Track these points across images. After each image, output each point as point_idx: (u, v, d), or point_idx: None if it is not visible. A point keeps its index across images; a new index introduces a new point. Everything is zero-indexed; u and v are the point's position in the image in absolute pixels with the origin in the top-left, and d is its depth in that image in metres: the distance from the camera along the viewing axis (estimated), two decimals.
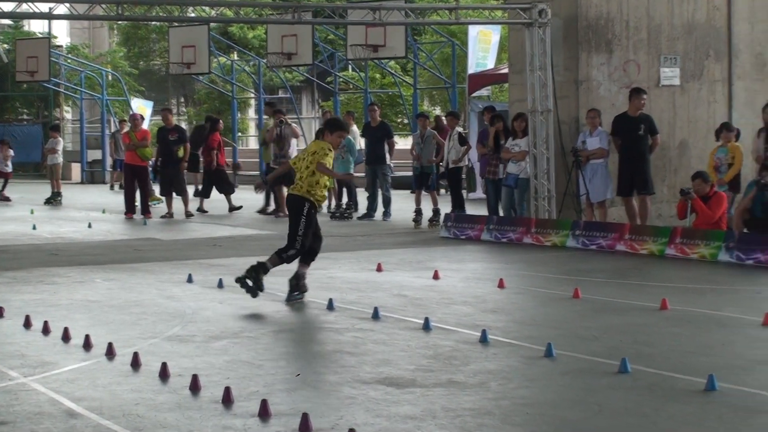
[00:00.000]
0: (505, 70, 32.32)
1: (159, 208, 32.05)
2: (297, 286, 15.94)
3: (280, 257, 15.93)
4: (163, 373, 10.98)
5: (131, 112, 42.48)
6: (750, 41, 26.45)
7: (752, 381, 10.70)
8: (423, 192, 28.50)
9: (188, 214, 30.90)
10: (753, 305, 15.34)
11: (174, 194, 31.29)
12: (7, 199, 39.12)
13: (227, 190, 33.07)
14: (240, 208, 32.13)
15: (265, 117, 41.25)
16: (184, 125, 39.57)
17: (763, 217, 21.12)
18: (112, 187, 46.18)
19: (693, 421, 9.43)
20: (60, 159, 40.90)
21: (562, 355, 11.98)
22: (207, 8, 39.68)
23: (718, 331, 13.71)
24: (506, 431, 9.16)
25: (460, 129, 28.63)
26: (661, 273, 19.03)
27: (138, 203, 30.93)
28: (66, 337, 12.88)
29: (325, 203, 31.79)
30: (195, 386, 10.41)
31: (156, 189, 32.70)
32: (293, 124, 34.42)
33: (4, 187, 40.12)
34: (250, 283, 15.65)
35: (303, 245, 15.82)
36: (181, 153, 31.21)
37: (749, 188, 21.64)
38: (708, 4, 25.91)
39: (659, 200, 24.44)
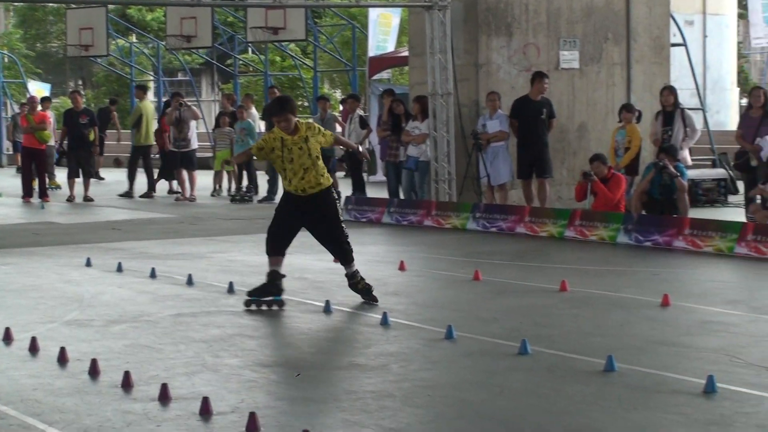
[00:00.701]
0: (406, 53, 32.40)
1: (61, 192, 31.81)
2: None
3: (350, 254, 14.45)
4: (62, 358, 10.92)
5: (29, 95, 41.93)
6: (648, 24, 26.69)
7: (649, 361, 10.83)
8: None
9: (87, 198, 30.58)
10: (651, 286, 15.51)
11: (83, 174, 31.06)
12: None
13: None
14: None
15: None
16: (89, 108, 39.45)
17: (661, 199, 21.39)
18: (18, 170, 45.91)
19: (592, 401, 9.53)
20: None
21: (463, 337, 12.04)
22: None
23: (617, 312, 13.84)
24: (407, 413, 9.20)
25: (360, 112, 28.69)
26: (560, 255, 19.19)
27: (36, 187, 30.55)
28: None
29: (225, 186, 31.83)
30: (94, 371, 10.36)
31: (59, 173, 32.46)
32: (193, 107, 34.39)
33: None
34: (372, 294, 14.20)
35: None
36: (92, 136, 31.05)
37: (647, 171, 21.88)
38: None
39: (558, 183, 24.63)
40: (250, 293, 13.89)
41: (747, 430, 8.54)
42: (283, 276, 14.06)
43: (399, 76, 46.97)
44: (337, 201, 14.44)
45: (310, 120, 13.84)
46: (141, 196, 31.34)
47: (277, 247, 14.20)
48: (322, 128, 14.44)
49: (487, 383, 10.27)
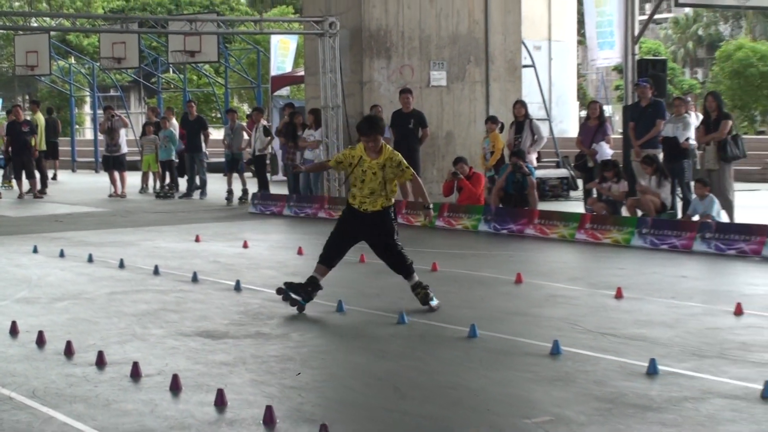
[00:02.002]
0: (302, 73, 32.33)
1: (12, 191, 31.45)
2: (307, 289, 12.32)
3: (410, 267, 12.60)
4: (13, 330, 10.89)
5: None
6: (503, 50, 26.86)
7: (506, 329, 10.93)
8: (233, 175, 28.44)
9: (35, 195, 30.20)
10: (507, 267, 15.63)
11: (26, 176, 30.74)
12: None
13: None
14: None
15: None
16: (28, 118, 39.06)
17: (514, 194, 21.57)
18: None
19: (459, 362, 9.61)
20: None
21: (351, 310, 12.09)
22: (48, 19, 39.12)
23: (479, 288, 13.94)
24: (306, 374, 9.21)
25: (264, 122, 28.59)
26: (431, 241, 19.25)
27: None
28: None
29: (151, 184, 31.61)
30: (41, 340, 10.34)
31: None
32: (123, 117, 34.32)
33: None
34: (433, 301, 12.20)
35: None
36: (33, 142, 30.82)
37: (503, 171, 22.07)
38: (469, 19, 26.23)
39: (430, 181, 24.68)
40: (286, 283, 12.19)
41: (586, 385, 8.65)
42: (320, 288, 12.26)
43: (296, 92, 46.88)
44: (394, 220, 12.46)
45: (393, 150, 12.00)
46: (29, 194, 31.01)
47: (328, 257, 12.52)
48: (404, 163, 12.39)
49: (371, 348, 10.32)
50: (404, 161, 12.43)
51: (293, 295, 12.01)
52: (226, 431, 7.40)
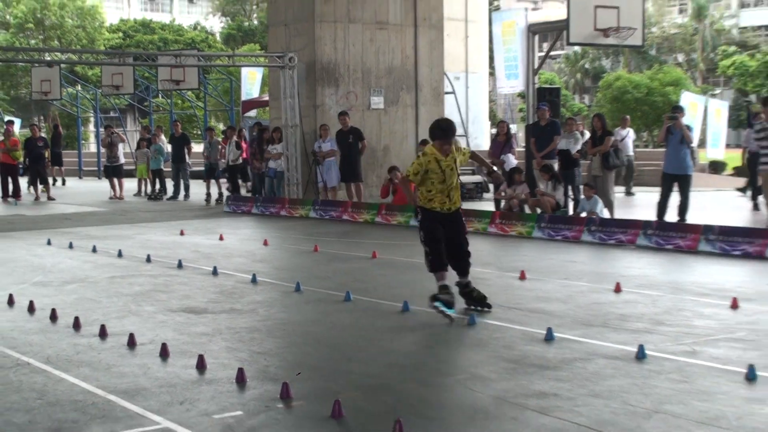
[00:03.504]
0: (267, 98, 32.19)
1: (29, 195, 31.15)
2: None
3: (468, 267, 10.99)
4: (30, 308, 10.80)
5: (5, 126, 41.15)
6: (429, 79, 26.95)
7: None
8: (211, 181, 28.41)
9: (50, 198, 29.94)
10: None
11: (39, 182, 30.77)
12: None
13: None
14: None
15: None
16: (43, 134, 38.82)
17: None
18: None
19: (394, 331, 9.63)
20: None
21: (307, 290, 12.07)
22: (59, 54, 38.92)
23: (411, 272, 13.95)
24: (270, 342, 9.22)
25: (236, 138, 28.50)
26: (372, 234, 19.26)
27: (11, 191, 29.92)
28: None
29: (143, 189, 31.42)
30: (53, 316, 10.26)
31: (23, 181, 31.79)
32: (120, 134, 34.29)
33: None
34: (486, 302, 10.71)
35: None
36: (47, 155, 30.87)
37: None
38: (402, 54, 26.29)
39: (371, 185, 24.73)
40: (433, 298, 10.18)
41: (497, 348, 8.70)
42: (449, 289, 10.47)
43: (263, 114, 46.80)
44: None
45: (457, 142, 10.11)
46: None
47: (441, 262, 10.59)
48: (461, 146, 11.03)
49: (323, 320, 10.32)
50: (459, 144, 10.91)
51: (445, 310, 10.02)
52: (206, 389, 7.38)
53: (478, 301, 10.71)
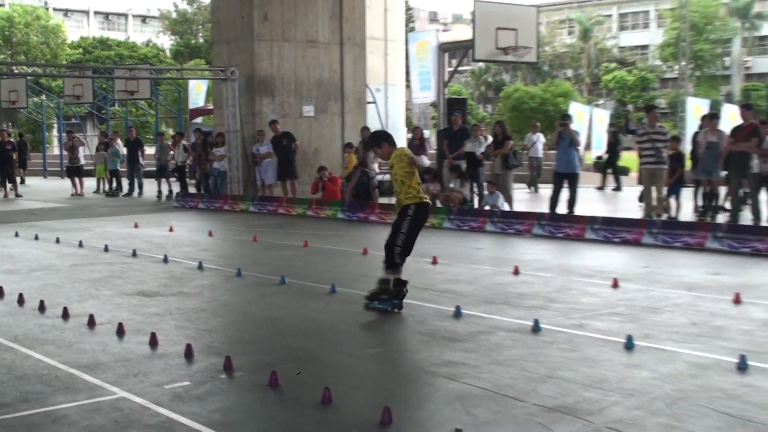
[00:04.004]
0: (212, 107, 32.01)
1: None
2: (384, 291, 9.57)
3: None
4: (0, 293, 10.55)
5: None
6: (354, 91, 26.95)
7: (357, 287, 10.94)
8: (162, 179, 28.11)
9: (17, 195, 29.39)
10: (357, 243, 15.66)
11: (8, 182, 30.11)
12: None
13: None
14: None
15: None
16: (11, 139, 38.12)
17: (361, 192, 21.67)
18: None
19: (323, 310, 9.61)
20: None
21: (247, 275, 12.00)
22: (25, 67, 38.25)
23: (338, 258, 13.96)
24: (214, 320, 9.16)
25: (184, 142, 28.21)
26: (304, 226, 19.22)
27: None
28: None
29: (102, 187, 30.97)
30: (21, 300, 10.07)
31: None
32: (81, 138, 33.81)
33: None
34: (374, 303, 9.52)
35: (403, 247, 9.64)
36: (15, 156, 30.41)
37: (354, 175, 22.13)
38: (329, 69, 26.26)
39: (303, 183, 24.64)
40: (371, 296, 9.52)
41: (413, 324, 8.73)
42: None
43: (208, 120, 46.34)
44: (409, 217, 9.51)
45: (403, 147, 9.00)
46: None
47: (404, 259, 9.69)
48: (405, 155, 9.59)
49: (261, 301, 10.26)
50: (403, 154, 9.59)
51: (380, 306, 9.41)
52: (158, 362, 7.30)
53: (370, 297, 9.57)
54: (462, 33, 73.52)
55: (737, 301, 9.71)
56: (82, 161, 31.24)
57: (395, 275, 9.52)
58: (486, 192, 19.84)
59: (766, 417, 5.76)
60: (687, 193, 19.54)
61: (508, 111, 63.70)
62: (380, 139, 9.99)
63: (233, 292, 10.98)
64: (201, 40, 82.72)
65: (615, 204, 22.52)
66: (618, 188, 27.56)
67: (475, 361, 7.25)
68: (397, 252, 9.54)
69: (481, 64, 77.20)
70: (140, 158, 29.40)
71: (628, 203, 22.13)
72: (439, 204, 20.07)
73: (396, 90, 46.30)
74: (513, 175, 20.98)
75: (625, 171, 30.74)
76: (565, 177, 18.96)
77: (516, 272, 11.88)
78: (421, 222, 9.67)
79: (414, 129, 24.66)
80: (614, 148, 28.91)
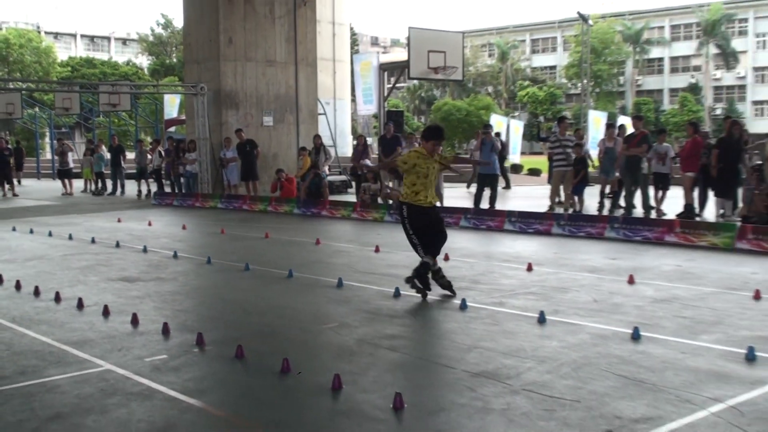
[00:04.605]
0: (184, 117, 31.66)
1: None
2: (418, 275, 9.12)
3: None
4: (0, 280, 10.34)
5: None
6: (307, 103, 26.81)
7: (310, 271, 10.94)
8: (141, 180, 27.74)
9: (14, 195, 28.75)
10: (311, 234, 15.64)
11: (6, 183, 29.36)
12: None
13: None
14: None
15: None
16: (9, 146, 37.26)
17: (315, 191, 21.58)
18: None
19: (281, 292, 9.56)
20: None
21: (216, 262, 11.89)
22: (20, 83, 37.46)
23: (294, 247, 13.89)
24: (188, 302, 9.07)
25: (161, 149, 27.87)
26: (265, 220, 19.11)
27: None
28: None
29: (87, 186, 30.44)
30: (18, 286, 9.91)
31: None
32: (70, 145, 33.21)
33: None
34: (452, 289, 9.16)
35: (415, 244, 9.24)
36: (11, 162, 29.92)
37: (307, 176, 22.04)
38: (286, 85, 26.09)
39: (264, 183, 24.46)
40: (415, 277, 9.13)
41: (359, 304, 8.71)
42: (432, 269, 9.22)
43: (181, 129, 45.94)
44: (405, 218, 9.21)
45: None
46: None
47: (426, 249, 9.20)
48: (441, 155, 9.39)
49: (228, 285, 10.18)
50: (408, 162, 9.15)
51: (419, 284, 9.08)
52: (139, 339, 7.21)
53: (445, 286, 9.17)
54: (399, 55, 73.51)
55: (631, 281, 9.87)
56: (71, 165, 30.78)
57: (432, 261, 9.11)
58: None
59: (656, 378, 5.86)
60: (592, 191, 19.79)
61: (438, 121, 64.01)
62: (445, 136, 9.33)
63: (204, 278, 10.87)
64: (175, 60, 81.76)
65: (529, 200, 22.71)
66: (507, 186, 27.80)
67: (412, 335, 7.27)
68: (415, 249, 9.27)
69: (415, 81, 77.47)
70: (122, 162, 29.06)
71: (539, 200, 22.36)
72: (380, 200, 20.09)
73: (343, 103, 46.36)
74: (443, 175, 21.04)
75: (507, 171, 31.10)
76: (488, 177, 19.08)
77: (446, 258, 11.94)
78: (417, 217, 9.11)
79: (358, 136, 24.61)
80: (501, 152, 29.19)
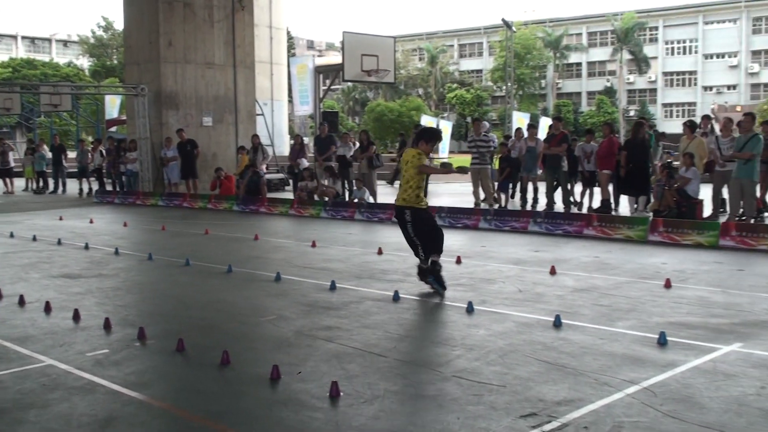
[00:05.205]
0: (125, 118, 31.04)
1: None
2: (432, 271, 8.76)
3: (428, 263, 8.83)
4: None
5: None
6: (245, 104, 26.56)
7: (249, 266, 10.83)
8: (83, 179, 27.12)
9: None
10: (249, 230, 15.47)
11: None
12: None
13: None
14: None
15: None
16: None
17: (253, 188, 21.38)
18: None
19: (221, 287, 9.44)
20: None
21: (157, 258, 11.69)
22: None
23: (233, 243, 13.74)
24: (129, 297, 8.89)
25: (101, 148, 27.27)
26: (205, 217, 18.87)
27: None
28: None
29: (29, 185, 29.64)
30: None
31: None
32: (11, 144, 32.26)
33: None
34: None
35: (417, 245, 8.84)
36: None
37: (245, 175, 21.82)
38: (225, 86, 25.80)
39: (204, 181, 24.13)
40: (426, 274, 8.81)
41: (296, 297, 8.66)
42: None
43: (122, 129, 45.11)
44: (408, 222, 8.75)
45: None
46: None
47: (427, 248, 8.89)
48: (414, 159, 8.73)
49: (169, 280, 10.01)
50: (413, 161, 8.74)
51: (438, 285, 8.69)
52: (80, 334, 7.03)
53: (423, 277, 8.89)
54: (334, 58, 73.39)
55: (553, 272, 10.02)
56: (12, 164, 29.83)
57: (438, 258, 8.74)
58: (355, 188, 19.88)
59: (576, 363, 5.96)
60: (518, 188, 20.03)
61: (371, 122, 64.05)
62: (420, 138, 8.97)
63: (145, 273, 10.67)
64: (115, 62, 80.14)
65: (457, 197, 22.89)
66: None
67: (347, 326, 7.25)
68: (416, 250, 8.88)
69: (349, 83, 77.46)
70: (63, 161, 28.42)
71: (467, 196, 22.55)
72: (316, 198, 20.01)
73: (280, 104, 46.04)
74: (376, 173, 21.09)
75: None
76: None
77: (380, 252, 11.96)
78: (420, 221, 8.74)
79: (295, 136, 24.48)
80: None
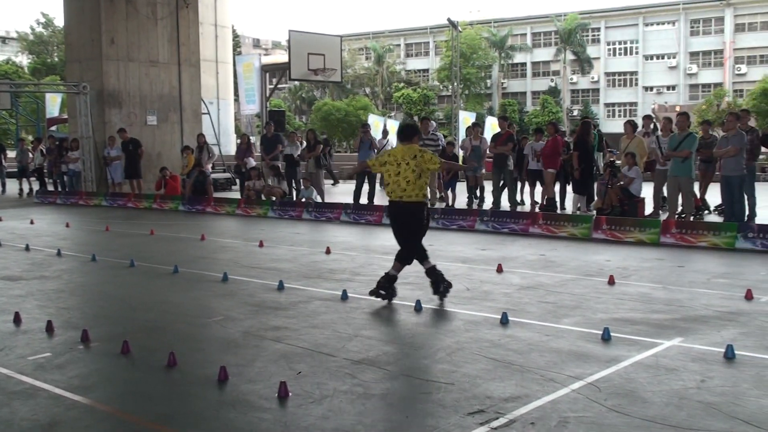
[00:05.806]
0: (66, 116, 30.43)
1: None
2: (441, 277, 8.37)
3: (402, 263, 8.52)
4: None
5: None
6: (191, 103, 26.28)
7: (196, 267, 10.70)
8: (23, 179, 26.55)
9: None
10: (196, 230, 15.29)
11: None
12: None
13: None
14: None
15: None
16: None
17: (199, 188, 21.13)
18: None
19: (167, 288, 9.30)
20: None
21: (101, 259, 11.49)
22: None
23: (179, 243, 13.57)
24: (72, 299, 8.71)
25: (42, 147, 26.69)
26: (150, 217, 18.61)
27: None
28: None
29: None
30: None
31: None
32: None
33: None
34: (383, 293, 8.23)
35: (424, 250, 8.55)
36: None
37: (192, 175, 21.57)
38: (169, 85, 25.49)
39: (149, 181, 23.82)
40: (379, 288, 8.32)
41: (243, 297, 8.59)
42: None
43: (63, 128, 44.29)
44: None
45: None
46: None
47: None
48: (425, 156, 8.24)
49: (113, 281, 9.84)
50: (425, 156, 8.26)
51: (443, 286, 8.29)
52: (22, 338, 6.87)
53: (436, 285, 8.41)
54: (280, 57, 72.92)
55: (500, 270, 10.12)
56: None
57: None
58: (302, 187, 19.81)
59: (522, 360, 6.03)
60: (462, 187, 20.17)
61: (319, 121, 63.91)
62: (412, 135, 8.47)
63: (89, 275, 10.48)
64: (56, 59, 78.53)
65: None
66: (335, 182, 28.33)
67: (295, 325, 7.22)
68: (424, 252, 8.48)
69: (296, 82, 77.12)
70: (3, 161, 27.62)
71: None
72: (263, 197, 19.88)
73: (226, 103, 45.67)
74: (323, 173, 21.05)
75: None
76: (365, 174, 19.17)
77: (328, 252, 11.93)
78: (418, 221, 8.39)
79: (242, 135, 24.32)
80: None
